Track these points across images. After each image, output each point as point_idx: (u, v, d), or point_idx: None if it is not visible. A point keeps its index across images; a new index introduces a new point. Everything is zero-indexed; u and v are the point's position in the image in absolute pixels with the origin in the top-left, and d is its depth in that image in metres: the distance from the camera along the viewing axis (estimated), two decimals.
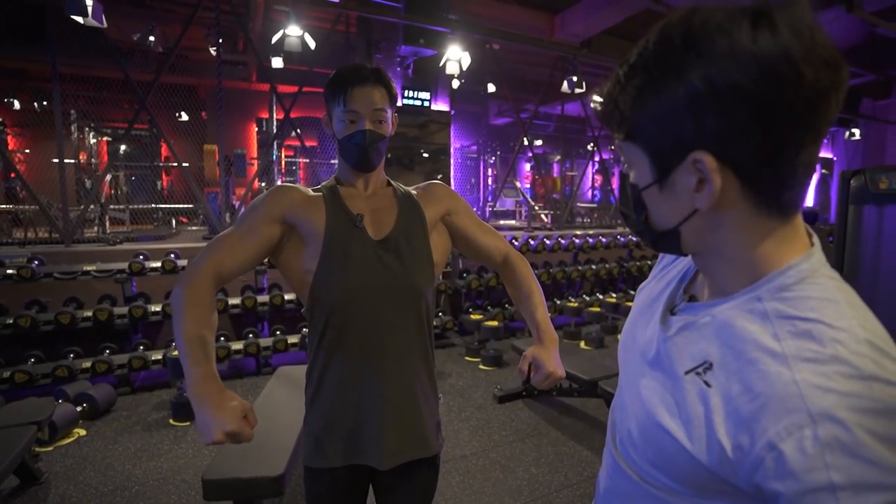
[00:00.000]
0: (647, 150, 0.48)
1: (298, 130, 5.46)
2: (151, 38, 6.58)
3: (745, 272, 0.48)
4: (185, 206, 6.83)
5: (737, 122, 0.42)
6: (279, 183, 1.14)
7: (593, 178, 12.53)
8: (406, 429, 1.06)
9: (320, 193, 1.08)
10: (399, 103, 1.22)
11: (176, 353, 3.16)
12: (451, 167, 6.05)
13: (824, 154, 10.82)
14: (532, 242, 5.37)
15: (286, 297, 4.10)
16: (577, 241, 5.64)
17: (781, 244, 0.47)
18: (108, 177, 6.39)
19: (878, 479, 0.35)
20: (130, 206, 6.74)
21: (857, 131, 9.56)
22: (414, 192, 1.16)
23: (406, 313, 1.05)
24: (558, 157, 11.31)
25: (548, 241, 5.48)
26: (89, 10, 3.61)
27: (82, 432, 2.96)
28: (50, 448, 2.76)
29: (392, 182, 1.17)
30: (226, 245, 1.00)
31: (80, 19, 3.68)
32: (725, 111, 0.42)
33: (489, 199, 8.21)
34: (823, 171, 11.46)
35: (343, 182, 1.12)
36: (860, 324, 0.41)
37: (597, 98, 0.52)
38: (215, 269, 0.97)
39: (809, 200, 11.77)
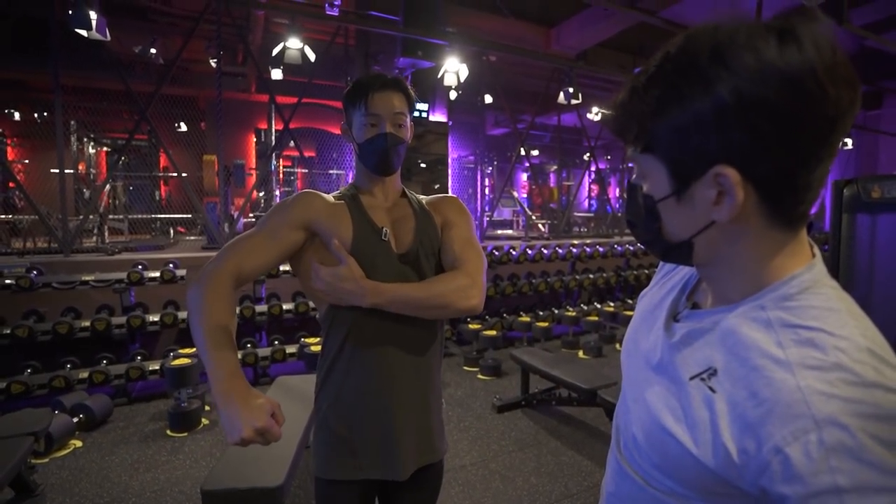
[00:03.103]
0: (666, 162, 0.48)
1: (297, 141, 5.50)
2: (153, 51, 6.63)
3: (749, 282, 0.49)
4: (184, 216, 6.84)
5: (761, 137, 0.42)
6: (306, 190, 1.08)
7: (590, 188, 12.61)
8: (419, 437, 1.08)
9: (343, 202, 1.08)
10: None
11: (174, 362, 3.16)
12: (449, 177, 6.08)
13: None
14: (530, 252, 5.39)
15: (284, 306, 4.10)
16: (574, 250, 5.66)
17: (787, 256, 0.48)
18: (107, 187, 6.41)
19: (882, 483, 0.36)
20: (130, 216, 6.74)
21: (849, 141, 9.68)
22: (426, 202, 1.16)
23: (423, 326, 1.06)
24: (555, 167, 11.39)
25: (545, 251, 5.50)
26: (93, 23, 3.65)
27: (78, 443, 2.93)
28: (46, 460, 2.73)
29: (406, 191, 1.17)
30: (246, 246, 0.99)
31: (84, 33, 3.72)
32: (751, 125, 0.42)
33: (486, 208, 8.24)
34: None
35: (362, 189, 1.11)
36: (861, 332, 0.43)
37: (608, 109, 0.52)
38: (235, 268, 0.95)
39: None
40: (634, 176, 0.54)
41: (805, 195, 0.45)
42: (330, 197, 1.09)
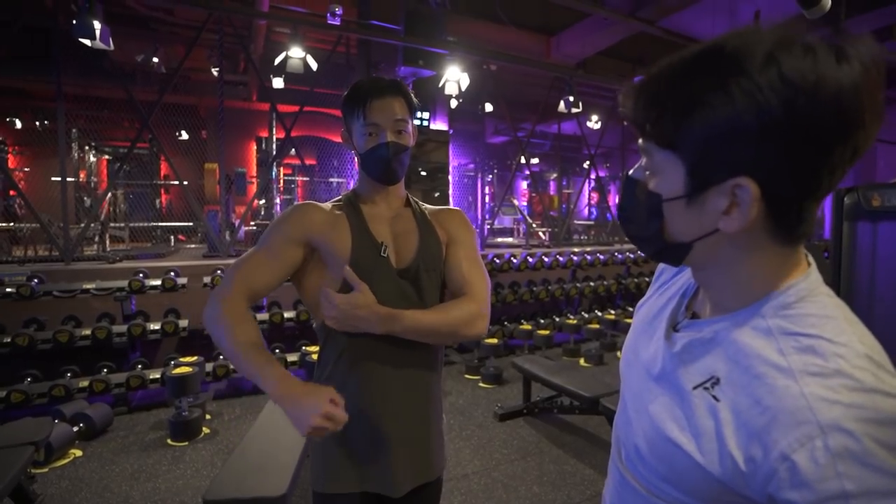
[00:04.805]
0: (688, 164, 0.45)
1: (297, 149, 5.52)
2: (155, 59, 6.68)
3: (748, 291, 0.49)
4: (186, 224, 6.85)
5: (795, 158, 0.41)
6: (304, 202, 1.06)
7: (590, 196, 12.65)
8: (417, 456, 1.07)
9: (342, 212, 1.06)
10: None
11: (175, 371, 3.15)
12: (450, 185, 6.11)
13: None
14: (530, 260, 5.40)
15: (286, 314, 4.09)
16: (574, 258, 5.67)
17: (784, 265, 0.48)
18: (108, 195, 6.41)
19: (889, 487, 0.37)
20: (131, 224, 6.75)
21: None
22: (430, 213, 1.14)
23: (420, 344, 1.04)
24: (555, 175, 11.43)
25: (546, 259, 5.51)
26: (97, 33, 3.67)
27: (78, 453, 2.91)
28: (45, 469, 2.71)
29: (411, 199, 1.15)
30: (250, 266, 1.00)
31: (87, 42, 3.74)
32: (791, 144, 0.41)
33: (487, 217, 8.27)
34: None
35: (364, 198, 1.09)
36: (858, 339, 0.43)
37: (629, 90, 0.48)
38: (245, 289, 0.98)
39: None
40: (635, 169, 0.52)
41: (807, 216, 0.45)
42: (329, 206, 1.07)
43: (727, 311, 0.50)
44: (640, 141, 0.49)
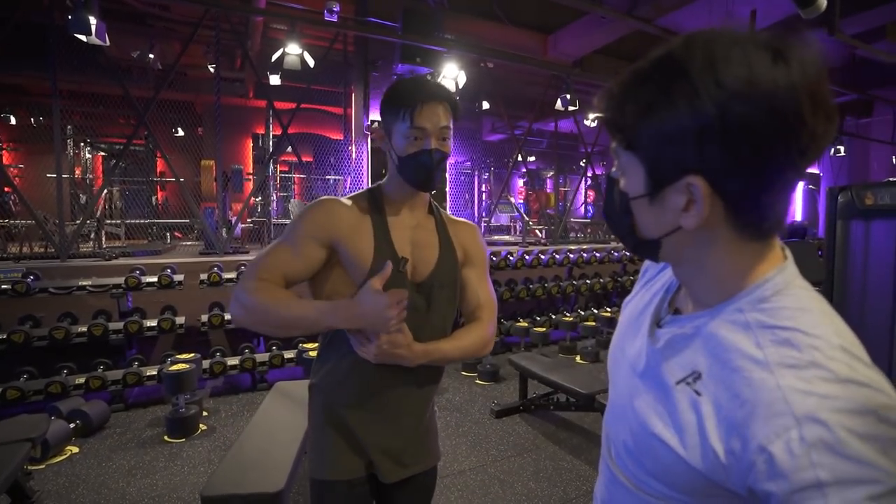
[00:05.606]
0: (646, 163, 0.48)
1: (293, 146, 5.50)
2: (151, 56, 6.64)
3: (724, 286, 0.50)
4: (182, 221, 6.82)
5: (736, 156, 0.43)
6: (328, 198, 1.06)
7: (586, 194, 12.67)
8: (413, 448, 1.10)
9: (366, 214, 1.04)
10: None
11: (172, 368, 3.14)
12: (448, 183, 6.11)
13: (811, 170, 11.06)
14: (527, 257, 5.41)
15: None
16: (571, 255, 5.69)
17: (758, 259, 0.49)
18: (104, 192, 6.39)
19: (861, 474, 0.38)
20: (127, 221, 6.72)
21: (841, 148, 9.81)
22: (449, 224, 1.14)
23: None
24: (551, 173, 11.45)
25: (542, 256, 5.53)
26: (93, 29, 3.65)
27: (75, 450, 2.91)
28: (42, 466, 2.71)
29: (433, 205, 1.14)
30: (273, 258, 0.99)
31: (83, 37, 3.72)
32: (728, 144, 0.43)
33: (484, 214, 8.27)
34: (811, 186, 11.71)
35: (390, 200, 1.08)
36: (833, 331, 0.44)
37: (602, 96, 0.51)
38: (270, 276, 0.97)
39: (798, 215, 11.97)
40: (614, 169, 0.54)
41: (768, 212, 0.46)
42: (351, 203, 1.05)
43: (707, 306, 0.51)
44: (612, 143, 0.52)
